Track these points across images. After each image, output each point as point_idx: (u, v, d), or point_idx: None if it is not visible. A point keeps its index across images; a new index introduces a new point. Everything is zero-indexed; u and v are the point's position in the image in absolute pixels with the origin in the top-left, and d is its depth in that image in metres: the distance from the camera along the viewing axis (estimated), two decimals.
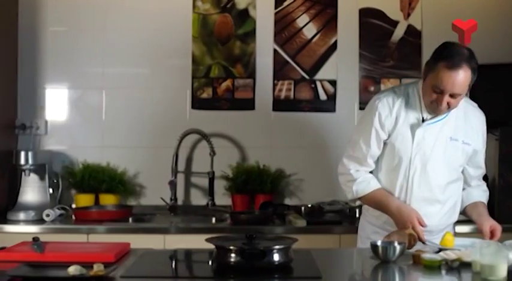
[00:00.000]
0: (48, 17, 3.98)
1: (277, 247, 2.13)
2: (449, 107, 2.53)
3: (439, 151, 2.64)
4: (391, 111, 2.64)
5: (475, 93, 3.76)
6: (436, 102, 2.52)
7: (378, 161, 2.73)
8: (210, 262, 2.18)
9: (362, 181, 2.71)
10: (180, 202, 3.92)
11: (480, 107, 2.79)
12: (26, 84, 3.96)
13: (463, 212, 2.83)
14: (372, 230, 2.79)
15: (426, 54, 3.91)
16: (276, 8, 3.97)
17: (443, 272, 2.15)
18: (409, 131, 2.63)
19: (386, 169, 2.71)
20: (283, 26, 3.97)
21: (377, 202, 2.70)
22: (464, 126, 2.68)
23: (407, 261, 2.27)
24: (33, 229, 3.35)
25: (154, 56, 3.97)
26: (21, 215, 3.51)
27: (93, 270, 2.02)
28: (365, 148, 2.68)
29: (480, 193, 2.85)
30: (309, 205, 3.70)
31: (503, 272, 2.01)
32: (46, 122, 3.96)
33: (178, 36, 3.95)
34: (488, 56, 3.73)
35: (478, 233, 2.71)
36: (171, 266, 2.34)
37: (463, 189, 2.82)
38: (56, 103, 3.99)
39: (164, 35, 3.96)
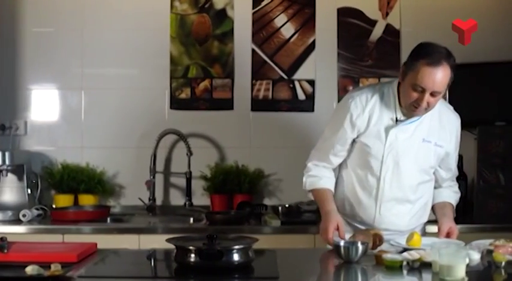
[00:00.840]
0: (27, 18, 3.98)
1: (236, 247, 2.13)
2: (428, 106, 2.50)
3: (412, 151, 2.63)
4: (363, 110, 2.62)
5: (465, 92, 3.80)
6: (415, 103, 2.48)
7: (346, 159, 2.73)
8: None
9: (314, 175, 2.74)
10: (159, 202, 3.93)
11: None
12: (6, 85, 3.97)
13: (431, 210, 2.83)
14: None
15: (405, 53, 3.91)
16: (253, 8, 3.96)
17: (405, 272, 2.15)
18: (382, 131, 2.61)
19: (356, 167, 2.70)
20: (261, 26, 3.96)
21: (318, 200, 2.73)
22: (438, 128, 2.66)
23: (371, 261, 2.27)
24: (9, 229, 3.35)
25: (133, 57, 3.97)
26: None
27: (50, 270, 2.03)
28: (330, 145, 2.69)
29: (450, 194, 2.84)
30: (287, 205, 3.70)
31: (461, 272, 2.01)
32: (26, 122, 3.97)
33: (156, 37, 3.96)
34: (473, 55, 3.76)
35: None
36: (133, 266, 2.34)
37: (435, 188, 2.81)
38: (36, 104, 4.00)
39: (142, 36, 3.96)
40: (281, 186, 3.97)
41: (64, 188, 3.84)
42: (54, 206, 3.83)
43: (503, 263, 2.17)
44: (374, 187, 2.66)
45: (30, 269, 2.02)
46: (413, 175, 2.66)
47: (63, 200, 3.83)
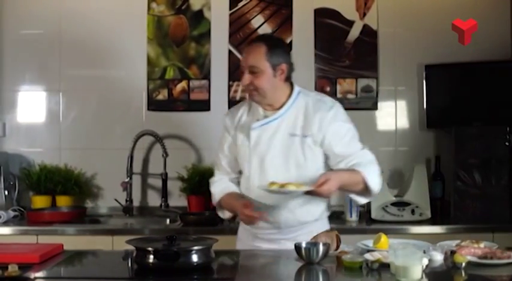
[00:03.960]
0: (4, 20, 3.99)
1: (195, 247, 2.14)
2: (253, 86, 2.59)
3: (276, 148, 2.64)
4: (234, 117, 2.78)
5: (441, 92, 3.80)
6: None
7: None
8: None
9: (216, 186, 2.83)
10: (137, 203, 3.94)
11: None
12: None
13: None
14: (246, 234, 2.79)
15: (382, 53, 3.94)
16: (230, 9, 3.97)
17: (364, 273, 2.15)
18: (247, 133, 2.70)
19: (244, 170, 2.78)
20: (238, 27, 3.96)
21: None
22: (304, 120, 2.64)
23: (332, 262, 2.27)
24: None
25: (110, 58, 3.98)
26: None
27: (7, 271, 2.04)
28: (220, 154, 2.84)
29: (360, 168, 2.59)
30: None
31: (417, 274, 2.01)
32: (4, 124, 3.97)
33: (133, 38, 3.96)
34: (450, 55, 3.76)
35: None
36: (94, 267, 2.35)
37: None
38: (14, 105, 4.01)
39: (119, 37, 3.97)
40: None
41: (41, 190, 3.84)
42: (32, 207, 3.84)
43: (463, 264, 2.17)
44: (246, 186, 2.72)
45: None
46: (281, 172, 2.62)
47: (40, 202, 3.83)
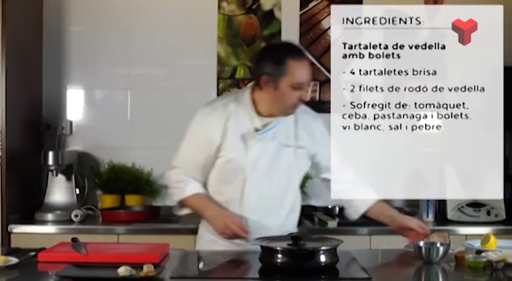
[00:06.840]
0: (72, 18, 3.98)
1: (324, 247, 2.15)
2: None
3: (273, 159, 2.57)
4: (220, 123, 2.58)
5: None
6: (299, 100, 2.50)
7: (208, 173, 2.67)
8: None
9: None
10: None
11: None
12: (51, 85, 3.96)
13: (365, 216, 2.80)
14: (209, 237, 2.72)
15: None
16: (301, 9, 3.97)
17: (488, 273, 2.17)
18: (242, 143, 2.55)
19: (217, 180, 2.65)
20: (309, 28, 3.97)
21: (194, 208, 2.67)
22: (296, 130, 2.61)
23: (450, 262, 2.29)
24: (62, 229, 3.39)
25: (180, 57, 3.97)
26: (49, 216, 3.53)
27: (143, 271, 2.04)
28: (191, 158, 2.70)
29: None
30: (336, 206, 3.70)
31: None
32: (71, 122, 3.95)
33: (203, 37, 3.96)
34: None
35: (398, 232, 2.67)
36: (215, 266, 2.35)
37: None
38: (81, 103, 4.00)
39: (189, 36, 3.97)
40: (327, 187, 3.96)
41: (111, 189, 3.83)
42: (99, 206, 3.83)
43: None
44: (236, 200, 2.59)
45: (122, 271, 2.03)
46: (278, 184, 2.60)
47: (109, 201, 3.81)
